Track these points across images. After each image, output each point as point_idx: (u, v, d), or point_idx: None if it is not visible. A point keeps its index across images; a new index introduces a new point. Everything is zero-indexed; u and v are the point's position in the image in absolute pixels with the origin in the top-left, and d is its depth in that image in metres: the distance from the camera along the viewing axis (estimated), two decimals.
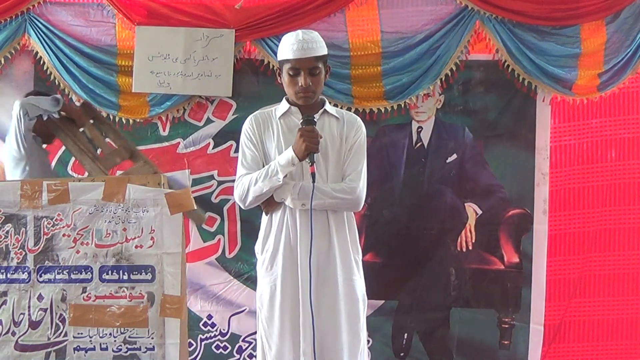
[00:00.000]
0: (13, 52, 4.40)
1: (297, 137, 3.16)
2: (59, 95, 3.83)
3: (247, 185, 3.28)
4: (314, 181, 3.16)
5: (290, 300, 3.24)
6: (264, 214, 3.38)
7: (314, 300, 3.17)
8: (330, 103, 3.47)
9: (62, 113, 3.70)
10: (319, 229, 3.23)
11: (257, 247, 3.40)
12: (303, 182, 3.22)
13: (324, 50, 3.27)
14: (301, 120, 3.22)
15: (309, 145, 3.12)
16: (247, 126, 3.38)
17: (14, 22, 4.37)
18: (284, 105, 3.35)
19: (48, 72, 4.38)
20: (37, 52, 4.39)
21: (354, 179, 3.27)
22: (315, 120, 3.21)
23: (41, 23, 4.36)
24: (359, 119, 3.42)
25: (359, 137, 3.35)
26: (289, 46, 3.23)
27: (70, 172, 4.38)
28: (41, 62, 4.39)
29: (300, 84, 3.22)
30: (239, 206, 4.34)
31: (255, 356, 4.35)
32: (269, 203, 3.30)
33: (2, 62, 4.38)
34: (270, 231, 3.33)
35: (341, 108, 3.78)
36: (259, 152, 3.33)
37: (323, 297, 3.22)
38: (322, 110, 3.33)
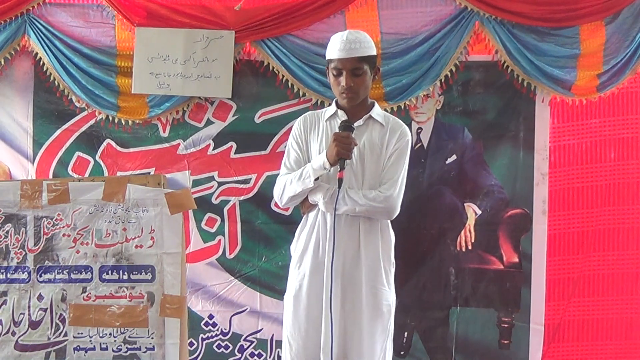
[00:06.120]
0: (13, 53, 4.39)
1: (330, 142, 3.16)
2: None
3: (283, 186, 3.32)
4: (339, 187, 3.17)
5: (314, 301, 3.25)
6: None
7: (335, 305, 3.18)
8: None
9: None
10: (347, 235, 3.25)
11: (292, 245, 3.43)
12: (337, 187, 3.22)
13: (369, 52, 3.26)
14: (339, 125, 3.23)
15: (340, 150, 3.12)
16: (295, 126, 3.42)
17: (14, 23, 4.37)
18: (332, 108, 3.37)
19: (48, 73, 4.38)
20: (37, 53, 4.38)
21: (388, 187, 3.28)
22: (352, 126, 3.22)
23: (41, 24, 4.36)
24: (404, 126, 3.41)
25: (400, 145, 3.33)
26: (334, 46, 3.25)
27: (70, 172, 4.38)
28: (41, 63, 4.38)
29: (342, 84, 3.23)
30: (240, 207, 4.43)
31: (257, 355, 4.42)
32: (304, 204, 3.34)
33: (2, 63, 4.38)
34: (302, 231, 3.37)
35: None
36: (302, 154, 3.36)
37: (347, 303, 3.24)
38: (367, 115, 3.33)
